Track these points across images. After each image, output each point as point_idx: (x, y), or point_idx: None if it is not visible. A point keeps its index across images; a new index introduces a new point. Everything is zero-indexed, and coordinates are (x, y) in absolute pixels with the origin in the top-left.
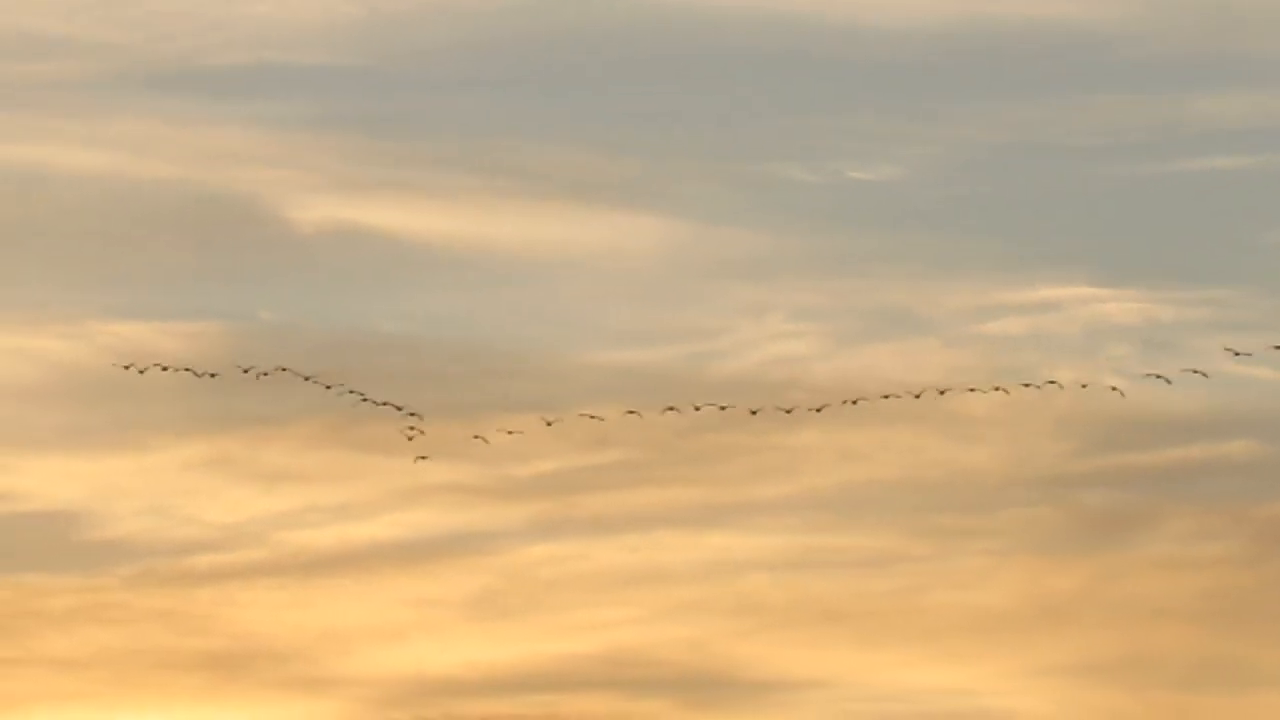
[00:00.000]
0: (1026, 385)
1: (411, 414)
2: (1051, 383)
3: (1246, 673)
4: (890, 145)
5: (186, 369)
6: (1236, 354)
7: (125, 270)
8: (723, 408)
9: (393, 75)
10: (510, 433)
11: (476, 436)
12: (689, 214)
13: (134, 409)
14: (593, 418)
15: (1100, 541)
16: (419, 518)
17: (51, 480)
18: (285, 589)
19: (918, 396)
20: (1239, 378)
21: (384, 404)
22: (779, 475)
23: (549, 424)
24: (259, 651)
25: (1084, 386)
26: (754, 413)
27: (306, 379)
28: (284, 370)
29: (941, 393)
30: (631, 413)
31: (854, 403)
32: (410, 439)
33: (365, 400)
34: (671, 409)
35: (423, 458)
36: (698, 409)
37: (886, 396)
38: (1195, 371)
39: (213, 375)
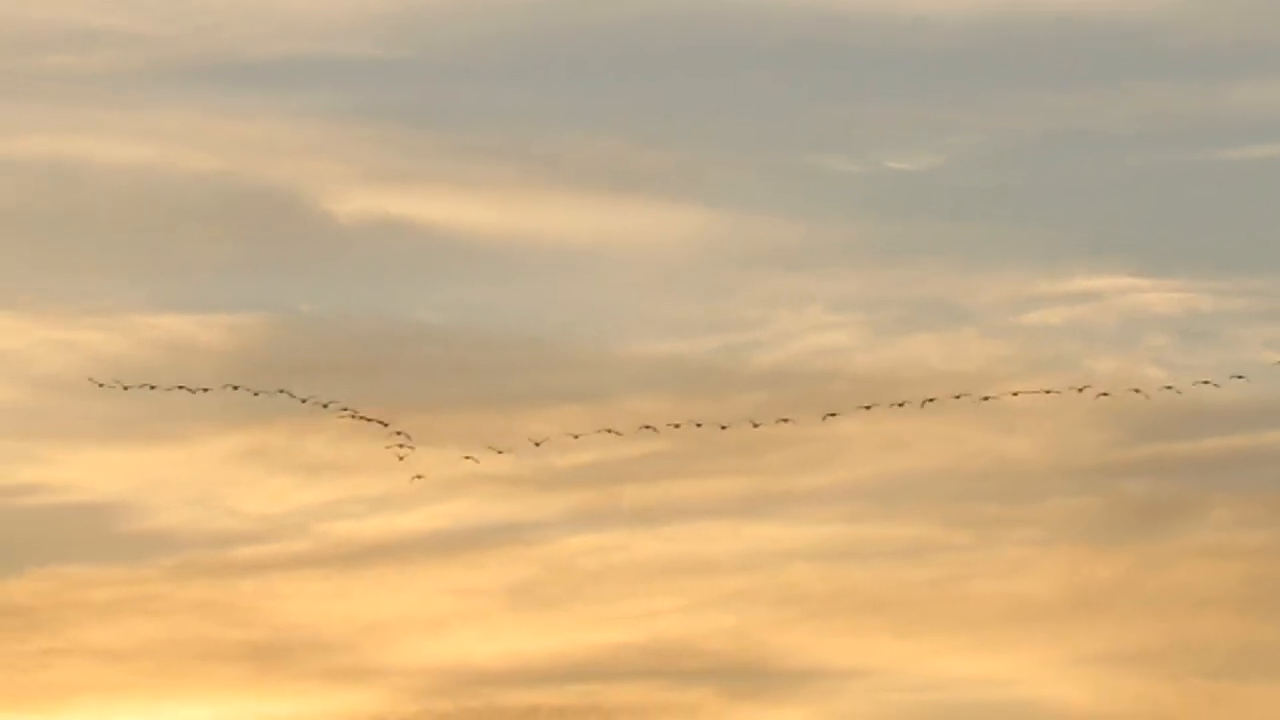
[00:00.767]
0: (1080, 390)
1: (399, 432)
2: (1103, 395)
3: None
4: (930, 135)
5: (180, 386)
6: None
7: (166, 262)
8: (755, 425)
9: (431, 66)
10: (537, 444)
11: (467, 457)
12: (728, 204)
13: (176, 402)
14: (609, 431)
15: (1141, 531)
16: (460, 508)
17: (94, 472)
18: (326, 580)
19: (957, 398)
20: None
21: (374, 421)
22: (820, 466)
23: (536, 445)
24: (300, 642)
25: (1136, 391)
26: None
27: (303, 400)
28: (281, 392)
29: (985, 399)
30: (648, 428)
31: (900, 405)
32: (401, 459)
33: (357, 417)
34: (648, 427)
35: (418, 477)
36: (724, 428)
37: (929, 400)
38: (1239, 377)
39: (205, 390)
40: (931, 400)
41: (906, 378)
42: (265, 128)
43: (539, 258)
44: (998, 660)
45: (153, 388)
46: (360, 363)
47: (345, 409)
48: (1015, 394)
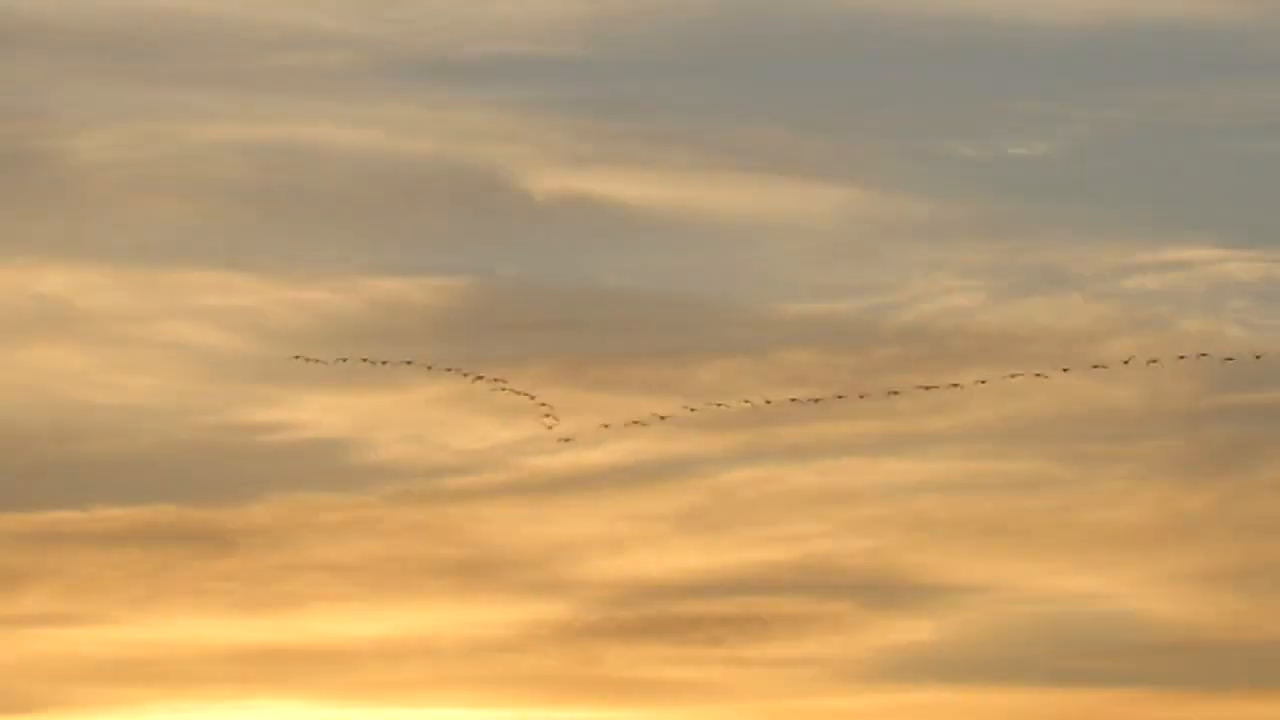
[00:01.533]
0: (1181, 357)
1: (542, 404)
2: (1203, 355)
3: None
4: (1043, 126)
5: (364, 359)
6: None
7: (386, 233)
8: (893, 393)
9: (616, 65)
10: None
11: (635, 421)
12: (871, 184)
13: (393, 352)
14: (661, 418)
15: (1223, 468)
16: (638, 446)
17: (324, 413)
18: (523, 507)
19: (1066, 371)
20: None
21: (522, 394)
22: (947, 410)
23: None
24: (500, 560)
25: (1229, 359)
26: (894, 394)
27: (429, 367)
28: (409, 363)
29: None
30: (692, 409)
31: (1012, 377)
32: (550, 428)
33: (507, 389)
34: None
35: (566, 440)
36: (862, 398)
37: (1039, 375)
38: None
39: (343, 360)
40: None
41: (1022, 335)
42: (472, 117)
43: (707, 230)
44: (1099, 578)
45: (344, 360)
46: (550, 320)
47: (497, 380)
48: (1126, 361)
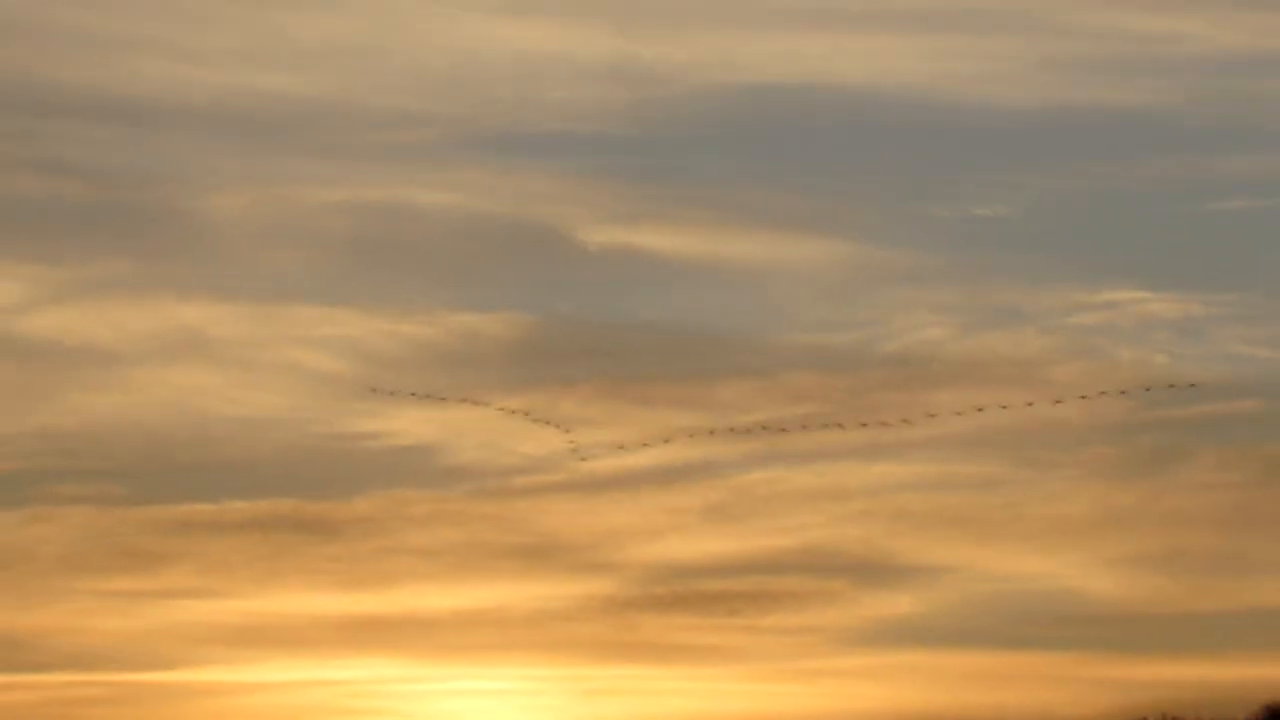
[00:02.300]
0: (1147, 389)
1: (567, 431)
2: (1148, 390)
3: (1252, 564)
4: (1004, 191)
5: (411, 393)
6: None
7: (464, 277)
8: (884, 424)
9: (652, 140)
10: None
11: (667, 441)
12: (861, 238)
13: (470, 374)
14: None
15: (1150, 471)
16: (672, 452)
17: (415, 424)
18: (577, 501)
19: (1030, 405)
20: (1248, 357)
21: (550, 424)
22: (923, 423)
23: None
24: (558, 545)
25: (1147, 390)
26: (883, 424)
27: (474, 403)
28: (463, 400)
29: (1057, 401)
30: (711, 431)
31: (980, 410)
32: (574, 451)
33: (535, 420)
34: (805, 427)
35: (583, 459)
36: (864, 426)
37: (1004, 407)
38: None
39: (442, 399)
40: (1005, 408)
41: (984, 360)
42: (535, 182)
43: (726, 274)
44: (1047, 561)
45: (414, 394)
46: (597, 348)
47: (526, 413)
48: (1083, 397)
